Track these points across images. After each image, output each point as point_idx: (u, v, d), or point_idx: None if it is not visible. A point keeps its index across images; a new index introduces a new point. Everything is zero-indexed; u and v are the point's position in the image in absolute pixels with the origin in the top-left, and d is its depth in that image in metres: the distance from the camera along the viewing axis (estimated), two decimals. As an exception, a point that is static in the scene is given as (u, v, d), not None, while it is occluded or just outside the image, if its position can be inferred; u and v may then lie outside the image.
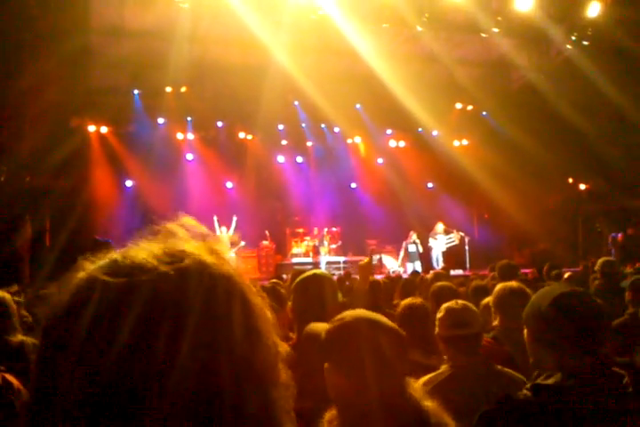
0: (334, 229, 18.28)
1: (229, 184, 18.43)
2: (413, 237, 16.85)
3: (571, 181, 17.76)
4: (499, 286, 3.70)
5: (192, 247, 0.66)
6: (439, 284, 4.68)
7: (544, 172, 16.54)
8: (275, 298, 3.67)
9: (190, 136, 17.78)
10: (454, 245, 17.04)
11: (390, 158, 19.15)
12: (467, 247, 16.97)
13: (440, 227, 17.12)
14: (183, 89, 16.07)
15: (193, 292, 0.60)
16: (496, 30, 13.40)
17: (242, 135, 18.13)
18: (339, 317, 1.73)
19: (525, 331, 2.01)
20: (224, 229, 15.13)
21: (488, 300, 3.86)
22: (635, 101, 13.00)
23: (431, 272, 7.97)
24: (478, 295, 4.65)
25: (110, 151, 16.36)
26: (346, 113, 16.87)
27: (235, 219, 13.14)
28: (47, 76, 10.62)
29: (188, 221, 0.73)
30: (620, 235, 15.12)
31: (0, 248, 9.76)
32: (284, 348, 0.67)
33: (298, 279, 2.92)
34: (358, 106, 18.04)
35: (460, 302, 2.78)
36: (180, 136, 17.56)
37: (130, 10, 12.73)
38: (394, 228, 18.07)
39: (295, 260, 17.14)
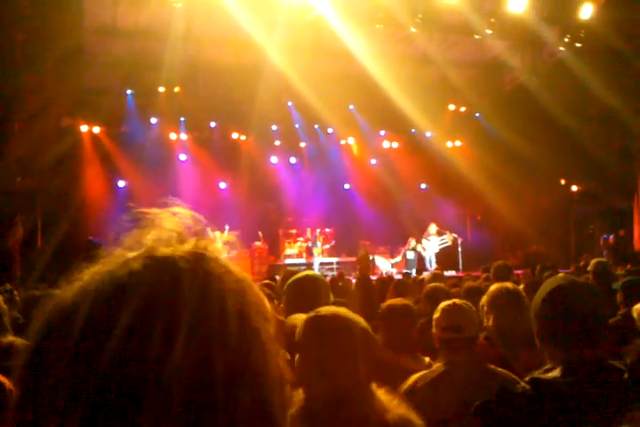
0: (327, 229, 18.28)
1: (222, 185, 18.40)
2: (412, 244, 16.82)
3: (563, 182, 17.83)
4: (493, 287, 3.70)
5: (185, 245, 0.65)
6: (432, 285, 4.69)
7: (537, 173, 16.61)
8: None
9: (183, 136, 17.74)
10: (447, 247, 17.07)
11: (384, 159, 19.17)
12: (459, 249, 17.01)
13: (433, 228, 17.14)
14: (176, 89, 16.04)
15: (186, 292, 0.59)
16: (489, 32, 13.45)
17: (235, 136, 18.12)
18: (314, 311, 1.75)
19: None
20: (217, 233, 15.09)
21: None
22: (627, 103, 13.07)
23: (428, 273, 7.99)
24: (471, 296, 4.65)
25: (103, 151, 16.31)
26: (339, 114, 16.89)
27: (227, 228, 13.12)
28: (39, 76, 10.58)
29: (181, 210, 0.72)
30: (611, 236, 15.20)
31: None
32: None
33: (290, 280, 2.92)
34: (352, 107, 18.07)
35: (457, 302, 2.76)
36: (173, 136, 17.52)
37: (123, 9, 12.69)
38: (387, 229, 18.10)
39: (288, 261, 17.12)
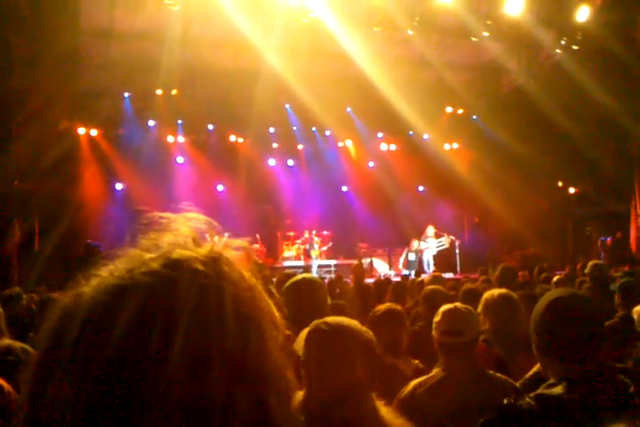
0: (325, 232, 18.28)
1: (220, 187, 18.40)
2: (415, 245, 16.81)
3: (560, 184, 17.85)
4: (486, 294, 3.74)
5: (201, 249, 0.66)
6: (430, 287, 4.69)
7: (534, 175, 16.62)
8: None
9: (181, 139, 17.74)
10: (445, 249, 17.08)
11: (381, 162, 19.18)
12: (457, 251, 17.02)
13: (431, 230, 17.15)
14: (174, 92, 16.03)
15: (202, 293, 0.60)
16: (486, 34, 13.46)
17: (233, 138, 18.13)
18: (322, 320, 1.84)
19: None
20: (216, 238, 15.03)
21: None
22: (624, 105, 13.09)
23: (428, 275, 7.98)
24: (469, 299, 4.65)
25: (100, 154, 16.30)
26: (337, 116, 16.90)
27: (226, 235, 13.01)
28: (37, 79, 10.57)
29: (196, 215, 0.73)
30: (609, 238, 15.21)
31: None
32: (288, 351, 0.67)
33: (288, 284, 2.92)
34: (349, 109, 18.09)
35: (459, 305, 2.75)
36: (170, 139, 17.51)
37: (120, 12, 12.67)
38: (385, 231, 18.09)
39: (286, 263, 17.11)
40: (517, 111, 15.74)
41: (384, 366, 2.91)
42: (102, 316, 0.58)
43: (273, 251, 18.06)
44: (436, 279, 6.41)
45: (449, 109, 18.30)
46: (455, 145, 19.21)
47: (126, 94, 16.22)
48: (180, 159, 17.78)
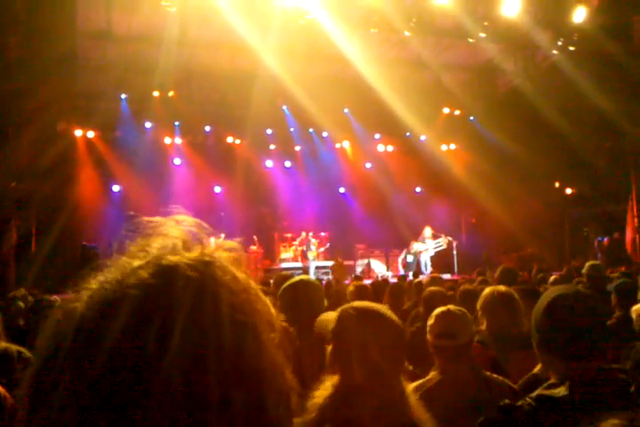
0: (322, 233, 18.28)
1: (217, 189, 18.39)
2: (414, 247, 16.81)
3: (557, 185, 17.88)
4: (486, 291, 3.69)
5: (191, 253, 0.65)
6: (430, 289, 4.68)
7: (530, 176, 16.64)
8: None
9: (178, 141, 17.74)
10: (442, 250, 17.08)
11: (379, 163, 19.20)
12: (454, 252, 17.03)
13: (428, 231, 17.15)
14: (171, 93, 16.03)
15: (196, 301, 0.59)
16: (483, 35, 13.49)
17: (230, 140, 18.12)
18: (349, 305, 1.91)
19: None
20: (212, 240, 15.01)
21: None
22: (620, 106, 13.12)
23: (426, 276, 7.97)
24: (467, 300, 4.65)
25: (97, 156, 16.29)
26: (334, 117, 16.91)
27: (222, 236, 12.98)
28: (33, 81, 10.55)
29: (185, 218, 0.72)
30: (606, 239, 15.23)
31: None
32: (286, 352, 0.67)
33: (284, 285, 2.91)
34: (346, 110, 18.11)
35: (452, 308, 2.73)
36: (167, 141, 17.50)
37: (117, 14, 12.69)
38: (382, 232, 18.09)
39: (284, 265, 17.10)
40: (514, 112, 15.76)
41: None
42: (93, 333, 0.57)
43: (270, 252, 18.05)
44: (434, 280, 6.41)
45: (446, 110, 18.32)
46: (452, 146, 19.23)
47: (123, 96, 16.22)
48: (177, 161, 17.77)
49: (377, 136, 19.29)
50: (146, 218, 0.69)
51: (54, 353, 0.58)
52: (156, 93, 15.80)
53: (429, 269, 16.04)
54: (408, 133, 18.42)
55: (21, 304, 5.12)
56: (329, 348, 1.86)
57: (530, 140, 15.00)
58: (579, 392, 1.65)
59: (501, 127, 15.89)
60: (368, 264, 17.29)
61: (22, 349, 2.95)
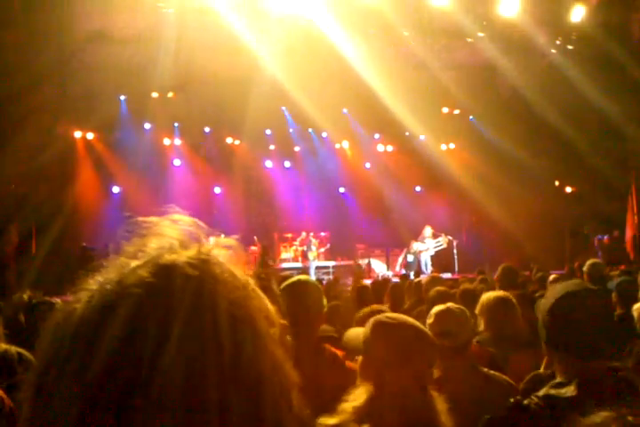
0: (322, 233, 18.28)
1: (217, 189, 18.39)
2: (414, 247, 16.80)
3: (557, 184, 17.89)
4: (484, 296, 3.72)
5: (188, 251, 0.65)
6: (436, 289, 4.67)
7: (530, 175, 16.65)
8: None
9: (177, 142, 17.73)
10: (442, 249, 17.08)
11: (378, 163, 19.19)
12: (455, 251, 17.02)
13: (428, 231, 17.13)
14: (170, 94, 16.03)
15: (195, 298, 0.60)
16: (482, 35, 13.50)
17: (229, 140, 18.12)
18: (382, 315, 1.96)
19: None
20: (213, 239, 15.01)
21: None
22: (619, 105, 13.13)
23: (427, 276, 7.96)
24: (467, 299, 4.66)
25: (96, 157, 16.28)
26: (333, 118, 16.90)
27: (222, 237, 12.98)
28: (32, 82, 10.55)
29: (181, 217, 0.72)
30: (606, 237, 15.24)
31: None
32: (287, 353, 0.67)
33: (282, 285, 2.90)
34: (346, 110, 18.09)
35: (451, 306, 2.73)
36: (166, 142, 17.50)
37: (116, 15, 12.68)
38: (382, 232, 18.10)
39: (284, 265, 17.10)
40: (513, 111, 15.77)
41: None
42: (94, 334, 0.57)
43: (270, 253, 18.04)
44: (434, 280, 6.40)
45: (445, 110, 18.31)
46: (452, 145, 19.21)
47: (122, 97, 16.21)
48: (176, 162, 17.77)
49: (377, 136, 19.29)
50: (142, 218, 0.69)
51: (54, 356, 0.58)
52: (155, 95, 15.80)
53: (430, 268, 16.03)
54: (407, 133, 18.41)
55: (23, 305, 5.11)
56: (359, 358, 1.92)
57: (529, 139, 15.02)
58: (588, 392, 1.63)
59: (501, 126, 15.90)
60: (368, 264, 17.29)
61: (23, 351, 2.94)
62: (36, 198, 12.10)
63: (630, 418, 0.84)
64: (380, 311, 3.33)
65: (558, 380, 1.76)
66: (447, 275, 14.98)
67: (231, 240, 0.73)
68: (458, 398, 2.42)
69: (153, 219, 0.70)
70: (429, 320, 2.72)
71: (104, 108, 15.65)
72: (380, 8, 12.43)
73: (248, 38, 12.72)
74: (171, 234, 0.68)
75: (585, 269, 6.23)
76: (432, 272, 13.03)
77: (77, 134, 15.97)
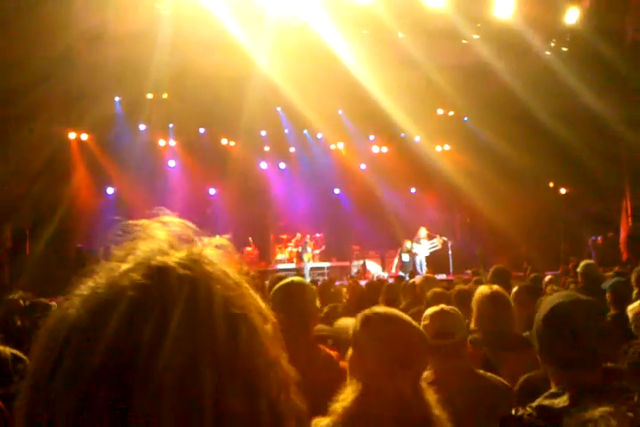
0: (317, 234, 18.28)
1: (212, 191, 18.37)
2: (408, 245, 16.81)
3: (551, 185, 17.94)
4: (478, 290, 3.70)
5: (179, 252, 0.65)
6: (434, 290, 4.67)
7: (525, 176, 16.70)
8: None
9: (172, 143, 17.71)
10: (437, 250, 17.10)
11: (373, 164, 19.21)
12: (449, 252, 17.05)
13: (423, 232, 17.16)
14: (164, 95, 16.00)
15: (190, 299, 0.60)
16: (476, 36, 13.53)
17: (224, 141, 18.12)
18: (371, 310, 1.92)
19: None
20: (206, 240, 14.96)
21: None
22: (613, 107, 13.18)
23: (421, 276, 7.96)
24: (462, 300, 4.66)
25: (91, 158, 16.22)
26: (328, 119, 16.92)
27: (217, 237, 12.95)
28: (27, 82, 10.52)
29: (170, 219, 0.72)
30: (599, 238, 15.29)
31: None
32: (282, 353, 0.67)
33: (275, 287, 2.90)
34: (340, 112, 18.11)
35: (445, 307, 2.74)
36: (161, 143, 17.48)
37: (111, 15, 12.65)
38: (377, 233, 18.12)
39: (279, 266, 17.10)
40: (508, 113, 15.80)
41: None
42: (88, 339, 0.57)
43: (265, 254, 18.04)
44: (428, 280, 6.41)
45: (440, 111, 18.35)
46: (447, 147, 19.25)
47: (117, 98, 16.16)
48: (171, 163, 17.75)
49: (371, 137, 19.33)
50: (131, 221, 0.69)
51: (48, 361, 0.58)
52: (149, 95, 15.76)
53: (425, 269, 16.04)
54: (402, 134, 18.45)
55: (18, 307, 5.11)
56: (349, 352, 1.88)
57: (524, 141, 15.05)
58: (581, 403, 1.60)
59: (495, 128, 15.93)
60: (363, 265, 17.30)
61: (18, 352, 2.93)
62: (31, 199, 12.05)
63: (630, 414, 0.84)
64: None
65: (552, 390, 1.77)
66: (442, 276, 15.00)
67: (223, 240, 0.73)
68: (453, 400, 2.42)
69: (143, 222, 0.70)
70: (424, 322, 2.72)
71: (99, 108, 15.59)
72: (375, 9, 12.44)
73: (243, 40, 12.72)
74: (160, 236, 0.68)
75: (579, 269, 6.25)
76: (427, 273, 13.03)
77: (72, 135, 15.90)
